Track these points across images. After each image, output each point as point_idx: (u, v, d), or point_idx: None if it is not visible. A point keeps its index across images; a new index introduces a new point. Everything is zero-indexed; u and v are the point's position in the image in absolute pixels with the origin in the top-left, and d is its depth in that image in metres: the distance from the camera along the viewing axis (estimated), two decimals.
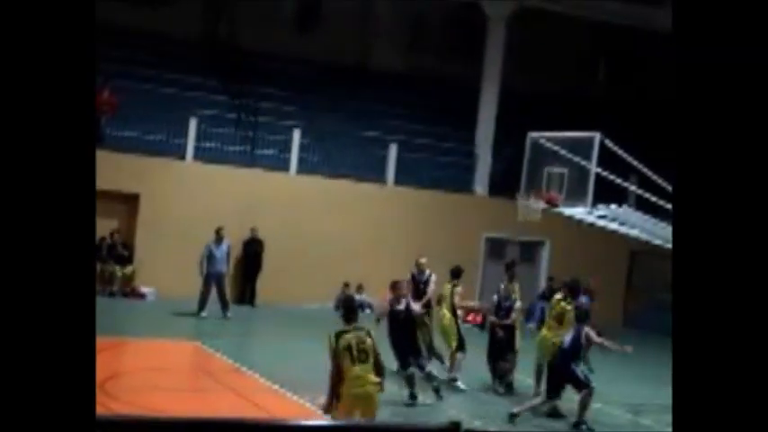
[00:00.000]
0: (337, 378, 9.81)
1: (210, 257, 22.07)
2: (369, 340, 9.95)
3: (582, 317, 14.17)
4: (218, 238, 22.25)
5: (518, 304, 16.24)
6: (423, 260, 17.08)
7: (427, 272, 16.88)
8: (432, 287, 16.82)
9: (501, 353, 15.92)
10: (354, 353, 9.75)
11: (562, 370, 13.82)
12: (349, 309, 10.31)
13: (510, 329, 15.94)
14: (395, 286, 14.51)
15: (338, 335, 9.89)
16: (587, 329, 13.93)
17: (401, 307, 14.18)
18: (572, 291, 15.31)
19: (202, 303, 21.80)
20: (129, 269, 24.21)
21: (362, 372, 9.80)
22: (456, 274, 16.89)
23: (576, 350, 13.94)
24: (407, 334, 14.23)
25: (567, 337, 13.96)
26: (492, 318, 16.27)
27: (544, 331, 15.50)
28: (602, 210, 16.52)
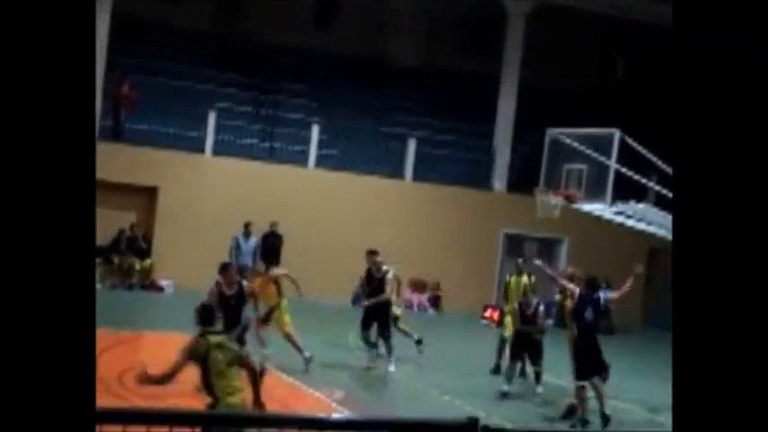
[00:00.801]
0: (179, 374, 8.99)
1: (237, 250, 22.19)
2: (234, 345, 9.25)
3: (594, 283, 13.95)
4: (247, 231, 22.39)
5: (542, 308, 15.73)
6: (379, 257, 16.70)
7: (384, 268, 16.49)
8: (389, 287, 16.46)
9: (532, 358, 15.72)
10: (227, 353, 8.95)
11: (591, 349, 13.54)
12: (207, 312, 9.46)
13: (539, 332, 15.63)
14: (224, 269, 13.51)
15: (204, 335, 9.13)
16: (605, 294, 13.84)
17: (231, 292, 13.05)
18: (591, 285, 14.81)
19: None
20: (147, 262, 24.30)
21: (236, 376, 8.95)
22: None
23: (597, 325, 13.82)
24: (234, 320, 12.88)
25: (588, 312, 13.63)
26: (520, 327, 15.77)
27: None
28: (621, 206, 16.44)
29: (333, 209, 25.49)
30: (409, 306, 26.65)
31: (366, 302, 16.56)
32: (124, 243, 24.24)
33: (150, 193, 24.81)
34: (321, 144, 26.20)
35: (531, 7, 28.10)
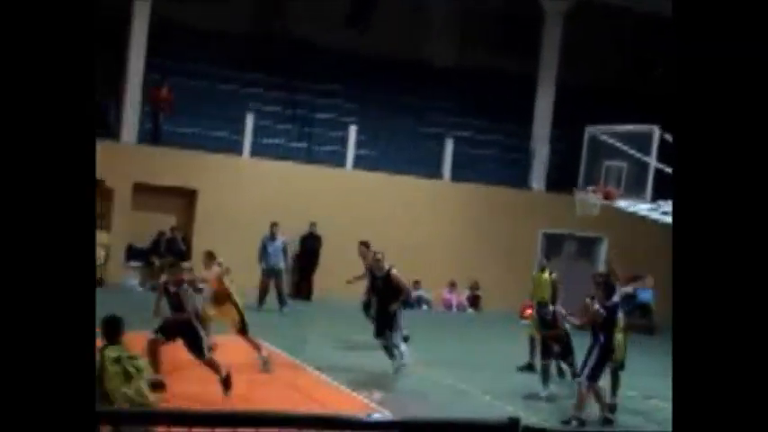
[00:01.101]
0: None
1: (264, 252, 22.28)
2: (140, 361, 8.76)
3: (610, 286, 13.89)
4: (272, 233, 22.44)
5: (562, 311, 15.31)
6: (379, 255, 16.13)
7: (386, 267, 15.83)
8: (401, 281, 15.88)
9: (561, 358, 15.63)
10: (128, 368, 8.52)
11: (608, 353, 13.56)
12: (110, 324, 8.74)
13: (563, 336, 15.45)
14: (170, 266, 13.53)
15: (104, 347, 8.60)
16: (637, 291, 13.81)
17: (175, 289, 12.93)
18: (607, 290, 14.44)
19: (260, 298, 22.09)
20: (187, 264, 24.39)
21: (134, 391, 8.49)
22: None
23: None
24: (183, 322, 12.86)
25: (617, 315, 13.66)
26: (541, 332, 15.66)
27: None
28: (661, 204, 16.29)
29: (371, 210, 25.49)
30: (448, 306, 26.62)
31: (394, 307, 15.69)
32: (164, 245, 24.39)
33: (189, 195, 24.96)
34: (358, 145, 26.23)
35: (568, 5, 27.95)
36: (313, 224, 24.67)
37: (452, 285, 26.62)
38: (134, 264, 24.52)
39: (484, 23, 30.62)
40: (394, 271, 15.86)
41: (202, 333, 13.17)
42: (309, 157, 25.94)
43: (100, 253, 24.18)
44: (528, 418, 12.33)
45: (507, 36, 30.33)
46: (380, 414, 11.16)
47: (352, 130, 26.10)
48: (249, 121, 25.28)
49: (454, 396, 14.72)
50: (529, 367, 16.69)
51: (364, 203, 25.47)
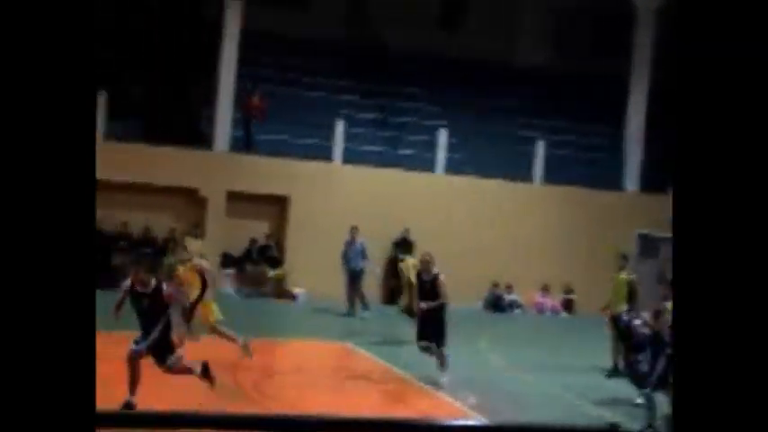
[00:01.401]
0: None
1: (345, 256, 22.42)
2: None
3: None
4: (352, 236, 22.58)
5: (637, 321, 14.44)
6: (428, 256, 15.67)
7: (434, 270, 15.33)
8: (443, 289, 15.22)
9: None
10: None
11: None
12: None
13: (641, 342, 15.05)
14: (135, 265, 12.81)
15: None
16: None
17: (144, 290, 11.88)
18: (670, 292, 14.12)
19: (349, 302, 22.25)
20: (280, 270, 24.66)
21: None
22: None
23: None
24: (151, 322, 11.88)
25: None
26: (619, 342, 15.47)
27: None
28: None
29: (462, 213, 25.41)
30: (541, 310, 26.38)
31: (423, 306, 15.20)
32: (256, 252, 24.67)
33: (282, 202, 25.21)
34: (449, 148, 26.18)
35: (659, 2, 27.47)
36: (406, 230, 24.68)
37: (545, 289, 26.38)
38: (228, 271, 24.84)
39: (575, 23, 30.26)
40: (441, 276, 15.37)
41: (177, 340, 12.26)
42: (400, 162, 25.97)
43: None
44: (627, 424, 12.06)
45: (598, 35, 29.92)
46: (475, 419, 11.09)
47: (443, 134, 26.06)
48: (339, 127, 25.43)
49: (548, 400, 14.56)
50: (615, 370, 16.42)
51: (455, 207, 25.41)
